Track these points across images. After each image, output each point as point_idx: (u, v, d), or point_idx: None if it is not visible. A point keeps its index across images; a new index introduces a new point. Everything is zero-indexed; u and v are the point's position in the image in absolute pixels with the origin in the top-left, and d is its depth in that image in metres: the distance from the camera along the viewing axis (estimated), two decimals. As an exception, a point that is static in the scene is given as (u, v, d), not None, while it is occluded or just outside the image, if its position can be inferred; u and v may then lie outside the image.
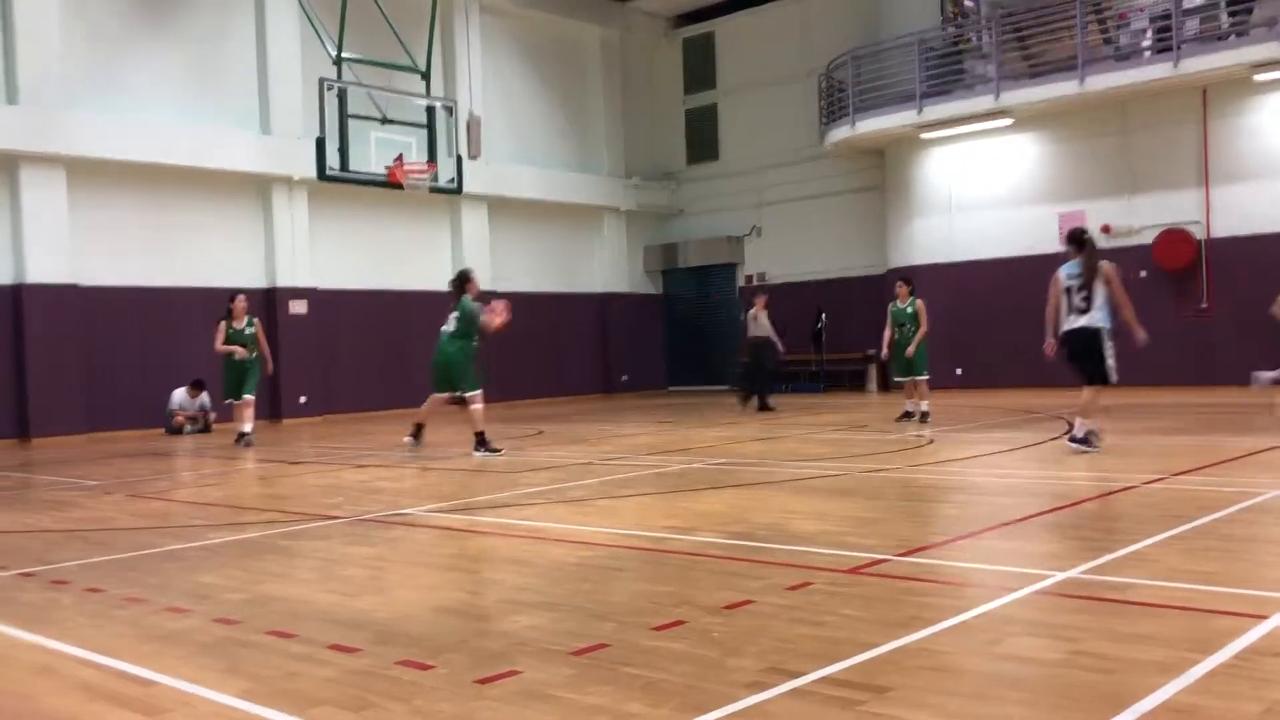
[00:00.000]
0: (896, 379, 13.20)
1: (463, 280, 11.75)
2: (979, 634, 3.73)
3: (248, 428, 13.64)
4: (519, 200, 23.37)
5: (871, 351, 22.38)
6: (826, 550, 5.32)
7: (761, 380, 17.50)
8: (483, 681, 3.38)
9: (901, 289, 14.68)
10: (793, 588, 4.50)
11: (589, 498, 7.58)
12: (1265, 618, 3.74)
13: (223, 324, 13.81)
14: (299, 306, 19.75)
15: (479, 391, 11.39)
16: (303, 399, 19.64)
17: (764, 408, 16.90)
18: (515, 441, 12.96)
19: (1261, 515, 5.90)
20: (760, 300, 17.66)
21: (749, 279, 25.42)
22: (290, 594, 4.82)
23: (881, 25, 22.12)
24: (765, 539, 5.68)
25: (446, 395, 11.74)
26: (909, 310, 14.40)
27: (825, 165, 23.47)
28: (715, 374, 25.98)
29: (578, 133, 25.18)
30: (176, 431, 17.24)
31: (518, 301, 23.48)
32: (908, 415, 13.77)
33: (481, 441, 11.16)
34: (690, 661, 3.50)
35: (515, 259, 23.67)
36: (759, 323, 17.27)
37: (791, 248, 24.45)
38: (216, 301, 15.79)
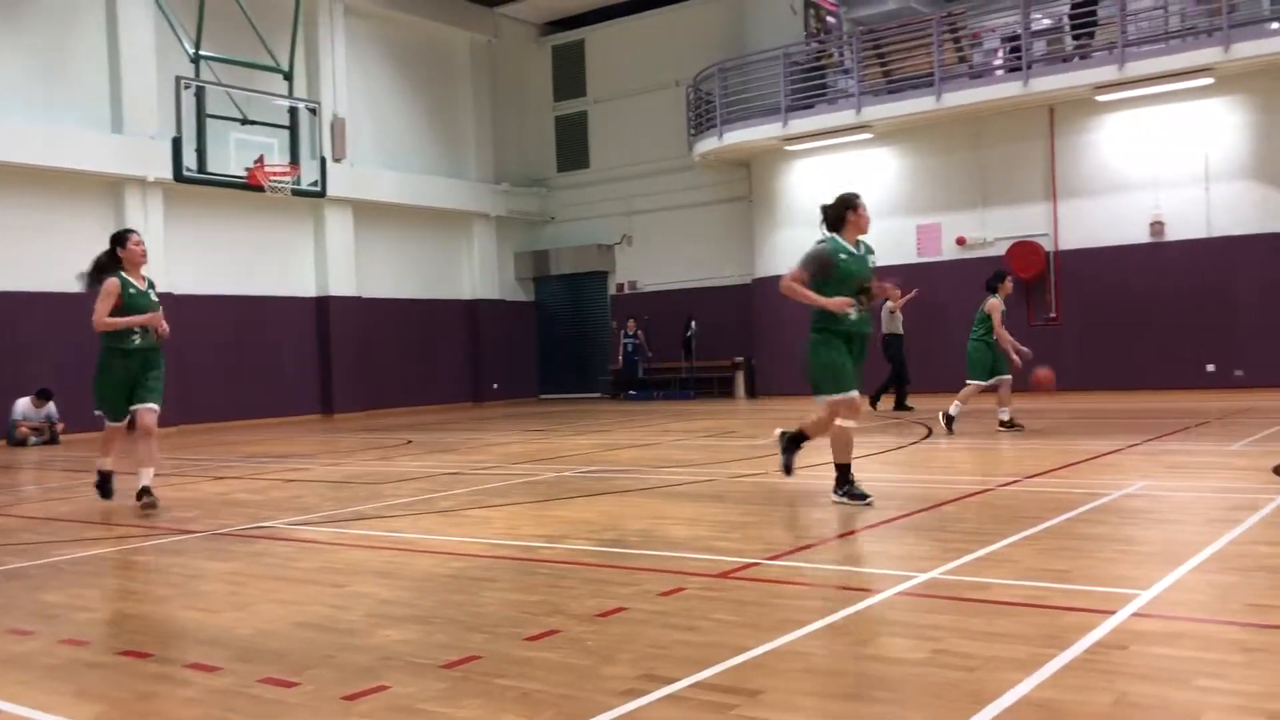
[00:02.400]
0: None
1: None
2: (847, 635, 3.81)
3: (149, 476, 7.94)
4: (385, 204, 22.97)
5: (740, 359, 22.76)
6: (698, 555, 5.36)
7: (903, 378, 16.27)
8: (350, 698, 3.28)
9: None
10: (665, 593, 4.52)
11: (459, 508, 7.47)
12: (1113, 613, 3.91)
13: (113, 285, 7.75)
14: (153, 312, 18.98)
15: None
16: (157, 409, 18.86)
17: (900, 406, 16.03)
18: (382, 452, 12.72)
19: (1108, 515, 6.19)
20: (895, 292, 15.72)
21: (620, 287, 25.53)
22: (145, 612, 4.61)
23: (747, 38, 22.52)
24: (637, 545, 5.69)
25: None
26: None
27: (694, 175, 23.75)
28: (587, 382, 26.02)
29: (446, 137, 24.90)
30: (20, 443, 16.36)
31: (383, 308, 23.24)
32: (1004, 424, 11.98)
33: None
34: (564, 671, 3.48)
35: (381, 264, 23.25)
36: (895, 317, 16.17)
37: (662, 256, 24.66)
38: (67, 308, 15.01)
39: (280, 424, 20.08)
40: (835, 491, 7.01)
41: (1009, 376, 12.04)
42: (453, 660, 3.64)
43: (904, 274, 20.19)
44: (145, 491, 7.86)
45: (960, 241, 19.70)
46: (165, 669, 3.70)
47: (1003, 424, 11.77)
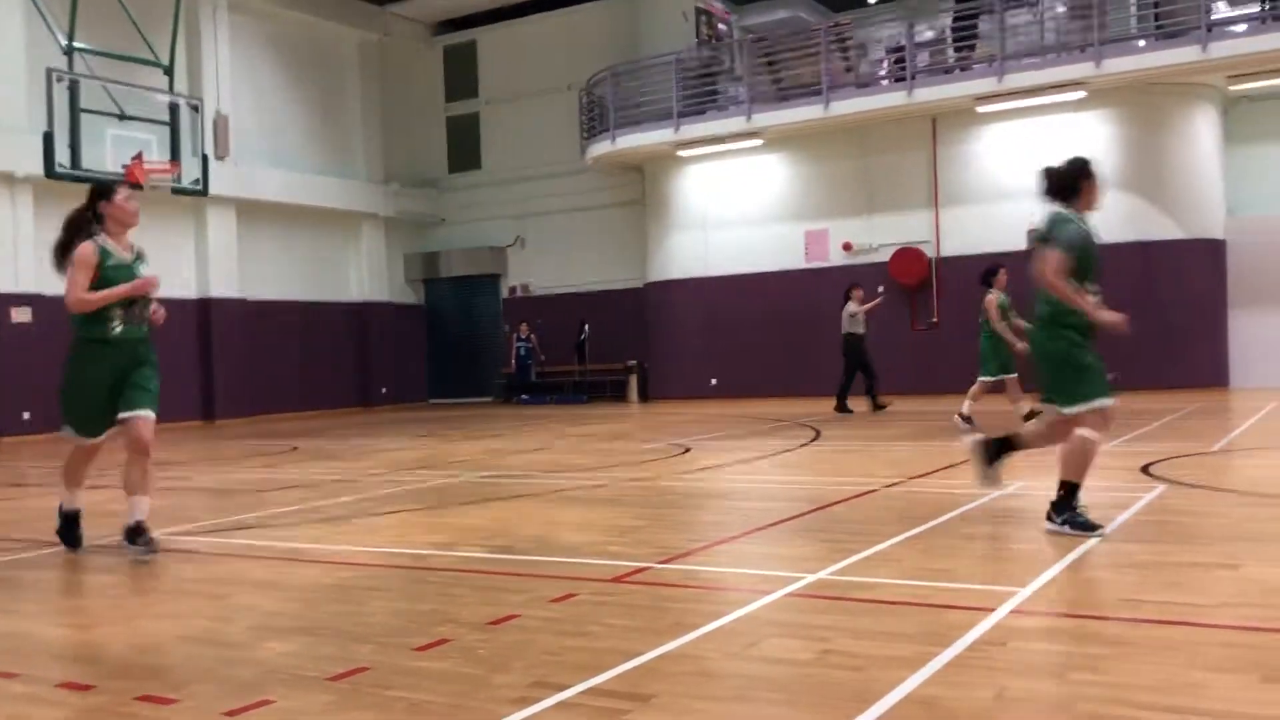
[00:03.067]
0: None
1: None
2: (738, 637, 3.85)
3: (144, 511, 6.05)
4: (270, 204, 22.41)
5: (632, 362, 22.84)
6: (591, 560, 5.35)
7: (850, 378, 16.21)
8: (232, 714, 3.19)
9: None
10: (558, 599, 4.50)
11: (346, 515, 7.33)
12: (993, 610, 4.04)
13: (88, 251, 5.87)
14: (22, 314, 18.16)
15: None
16: (26, 415, 18.06)
17: (876, 407, 15.96)
18: (267, 459, 12.40)
19: (988, 514, 6.38)
20: (859, 294, 16.24)
21: (512, 290, 25.40)
22: (12, 629, 4.41)
23: (640, 43, 22.63)
24: (529, 552, 5.66)
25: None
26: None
27: (587, 179, 23.76)
28: (479, 386, 25.80)
29: (334, 136, 24.42)
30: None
31: (268, 310, 22.66)
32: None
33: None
34: (455, 680, 3.44)
35: (266, 266, 22.67)
36: (857, 319, 16.11)
37: (555, 259, 24.61)
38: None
39: (158, 431, 19.38)
40: (1054, 518, 5.54)
41: (1015, 374, 12.20)
42: (340, 672, 3.57)
43: (796, 278, 20.57)
44: (138, 530, 5.94)
45: (847, 247, 20.12)
46: (33, 689, 3.54)
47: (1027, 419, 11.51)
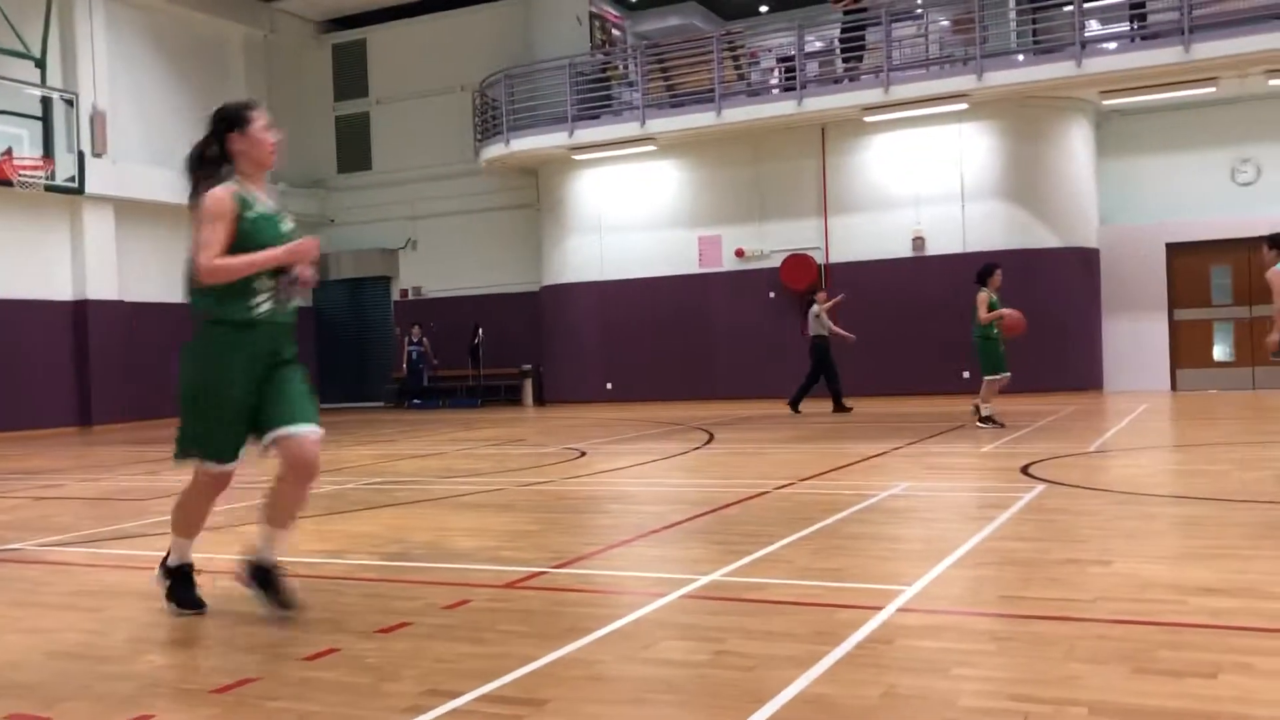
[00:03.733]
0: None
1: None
2: (632, 640, 3.86)
3: (282, 549, 4.56)
4: (151, 203, 21.65)
5: (528, 366, 22.73)
6: (484, 566, 5.31)
7: (813, 381, 16.32)
8: (110, 731, 3.07)
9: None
10: (450, 606, 4.45)
11: (231, 524, 7.13)
12: (880, 608, 4.13)
13: (224, 199, 4.29)
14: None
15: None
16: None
17: (838, 408, 16.06)
18: (149, 466, 12.00)
19: (876, 514, 6.52)
20: (822, 296, 16.56)
21: (404, 293, 25.05)
22: None
23: (534, 46, 22.57)
24: (422, 558, 5.59)
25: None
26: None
27: (481, 181, 23.58)
28: (369, 390, 25.38)
29: (219, 135, 23.72)
30: None
31: (149, 313, 21.89)
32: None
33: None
34: (344, 690, 3.37)
35: (148, 267, 21.91)
36: (821, 320, 16.29)
37: (448, 262, 24.35)
38: None
39: (31, 437, 18.62)
40: None
41: (1007, 374, 12.46)
42: (225, 684, 3.47)
43: (690, 283, 20.74)
44: (271, 570, 4.38)
45: (739, 253, 20.37)
46: (-108, 710, 3.36)
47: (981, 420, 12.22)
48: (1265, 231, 9.40)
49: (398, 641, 3.93)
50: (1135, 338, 18.49)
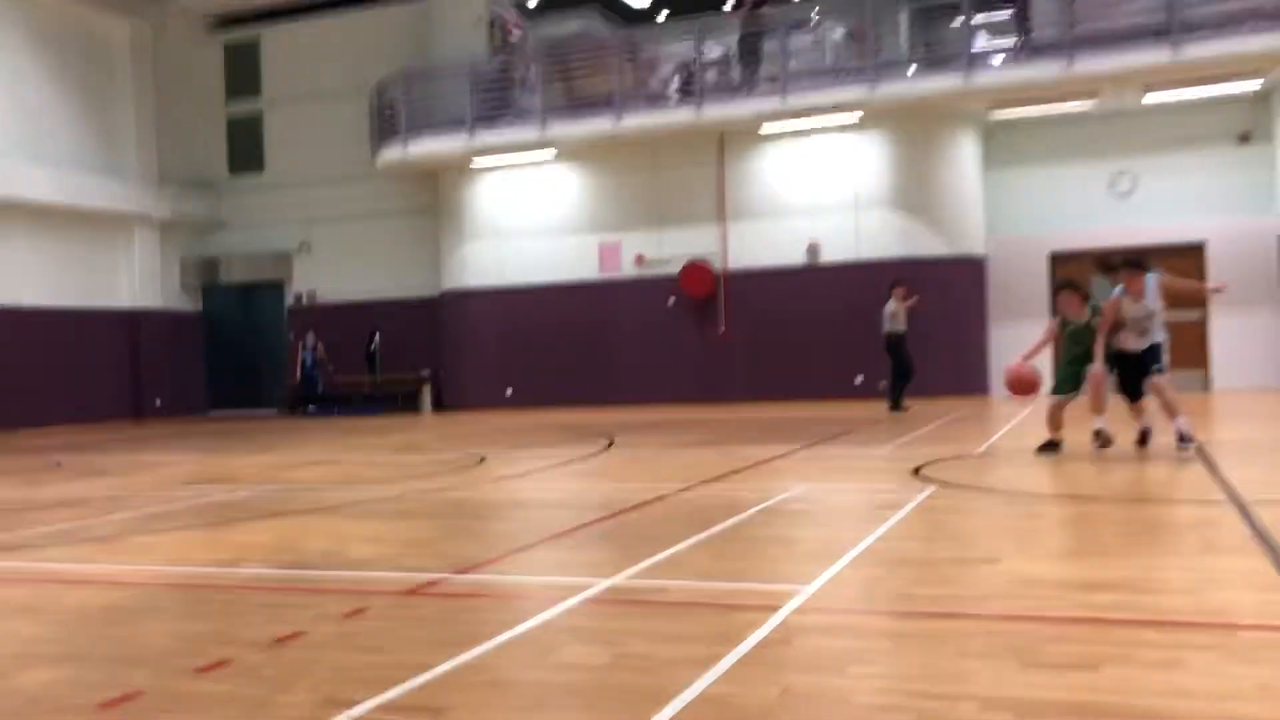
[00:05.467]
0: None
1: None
2: (533, 646, 3.85)
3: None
4: (29, 204, 20.85)
5: (426, 372, 22.48)
6: (383, 574, 5.24)
7: (900, 377, 16.06)
8: (-12, 751, 2.95)
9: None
10: (348, 615, 4.38)
11: (118, 535, 6.90)
12: (778, 609, 4.19)
13: None
14: None
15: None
16: None
17: (895, 407, 15.79)
18: (28, 475, 11.53)
19: (774, 516, 6.62)
20: (900, 292, 16.11)
21: (298, 297, 24.54)
22: None
23: (433, 48, 22.35)
24: (318, 566, 5.48)
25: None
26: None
27: (378, 184, 23.23)
28: (262, 397, 24.78)
29: (104, 133, 22.98)
30: None
31: (28, 318, 21.07)
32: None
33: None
34: (236, 703, 3.30)
35: (25, 270, 21.09)
36: (898, 318, 15.97)
37: (344, 267, 23.92)
38: None
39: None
40: None
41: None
42: (111, 699, 3.36)
43: (590, 290, 20.76)
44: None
45: (639, 260, 20.46)
46: None
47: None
48: (1143, 241, 9.53)
49: (292, 652, 3.86)
50: (1020, 344, 19.01)
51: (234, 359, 25.20)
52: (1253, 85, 17.37)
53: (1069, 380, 9.26)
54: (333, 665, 3.66)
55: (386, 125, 21.65)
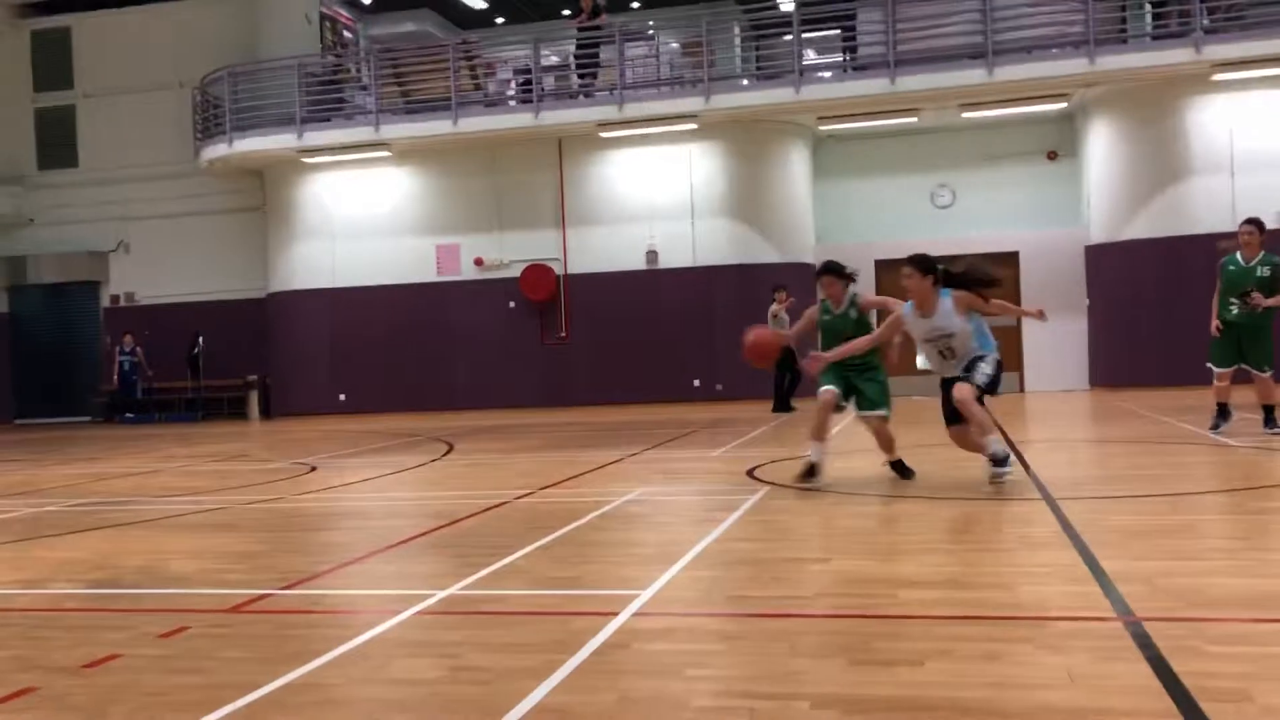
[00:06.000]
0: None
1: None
2: (366, 660, 3.75)
3: None
4: None
5: (253, 377, 21.69)
6: (205, 590, 5.01)
7: (785, 380, 16.06)
8: None
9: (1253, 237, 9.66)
10: (166, 634, 4.17)
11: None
12: (616, 614, 4.20)
13: None
14: None
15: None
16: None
17: (783, 408, 15.84)
18: None
19: (613, 521, 6.64)
20: (781, 296, 16.20)
21: (115, 299, 23.31)
22: None
23: (260, 44, 21.61)
24: (134, 584, 5.20)
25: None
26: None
27: (202, 182, 22.28)
28: (75, 404, 23.42)
29: (-107, 122, 21.32)
30: None
31: None
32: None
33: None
34: (43, 734, 3.09)
35: None
36: (779, 319, 15.86)
37: (165, 267, 22.84)
38: None
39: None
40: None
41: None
42: (-103, 737, 3.10)
43: (426, 292, 20.43)
44: None
45: (479, 262, 20.26)
46: None
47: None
48: (961, 250, 9.55)
49: (106, 676, 3.64)
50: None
51: (43, 364, 23.74)
52: (1060, 106, 18.46)
53: (834, 383, 7.63)
54: (150, 689, 3.48)
55: (211, 121, 20.81)
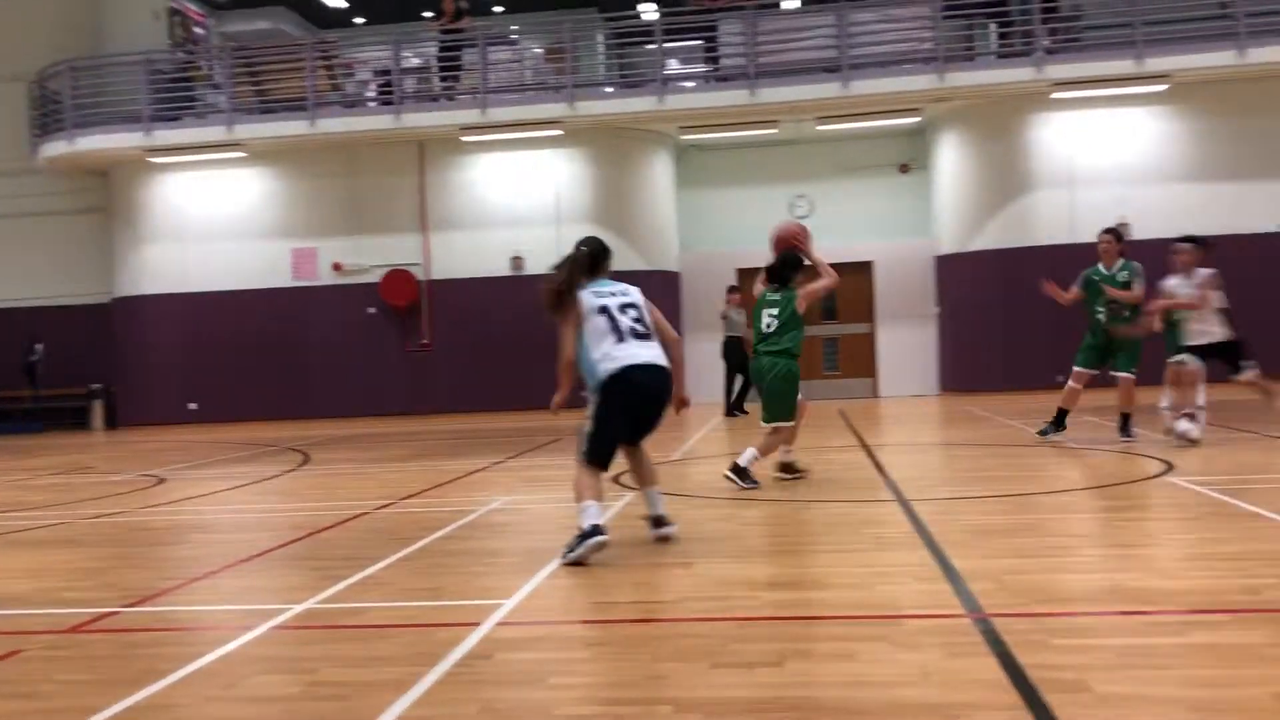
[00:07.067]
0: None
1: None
2: (217, 679, 3.61)
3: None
4: None
5: (97, 386, 20.70)
6: (42, 610, 4.75)
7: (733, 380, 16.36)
8: None
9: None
10: (-1, 659, 3.94)
11: None
12: (478, 624, 4.15)
13: None
14: None
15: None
16: None
17: (735, 410, 16.11)
18: None
19: (476, 530, 6.57)
20: (734, 298, 16.35)
21: (-58, 304, 21.91)
22: None
23: (103, 38, 20.68)
24: (-37, 607, 4.90)
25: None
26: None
27: (39, 181, 21.14)
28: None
29: None
30: None
31: None
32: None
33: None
34: None
35: None
36: (730, 320, 16.14)
37: (-2, 270, 21.59)
38: None
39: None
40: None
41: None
42: None
43: (282, 296, 19.84)
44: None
45: (337, 267, 19.80)
46: None
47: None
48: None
49: (-70, 706, 3.42)
50: (711, 355, 20.02)
51: None
52: (913, 120, 19.11)
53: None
54: (-21, 717, 3.28)
55: (51, 117, 19.80)
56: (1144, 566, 4.91)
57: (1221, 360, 9.41)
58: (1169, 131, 17.98)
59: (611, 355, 5.61)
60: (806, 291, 7.68)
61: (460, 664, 3.64)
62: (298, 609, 4.55)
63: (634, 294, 6.12)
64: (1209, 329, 9.34)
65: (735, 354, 16.54)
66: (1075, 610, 4.14)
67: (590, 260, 6.01)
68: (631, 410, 5.65)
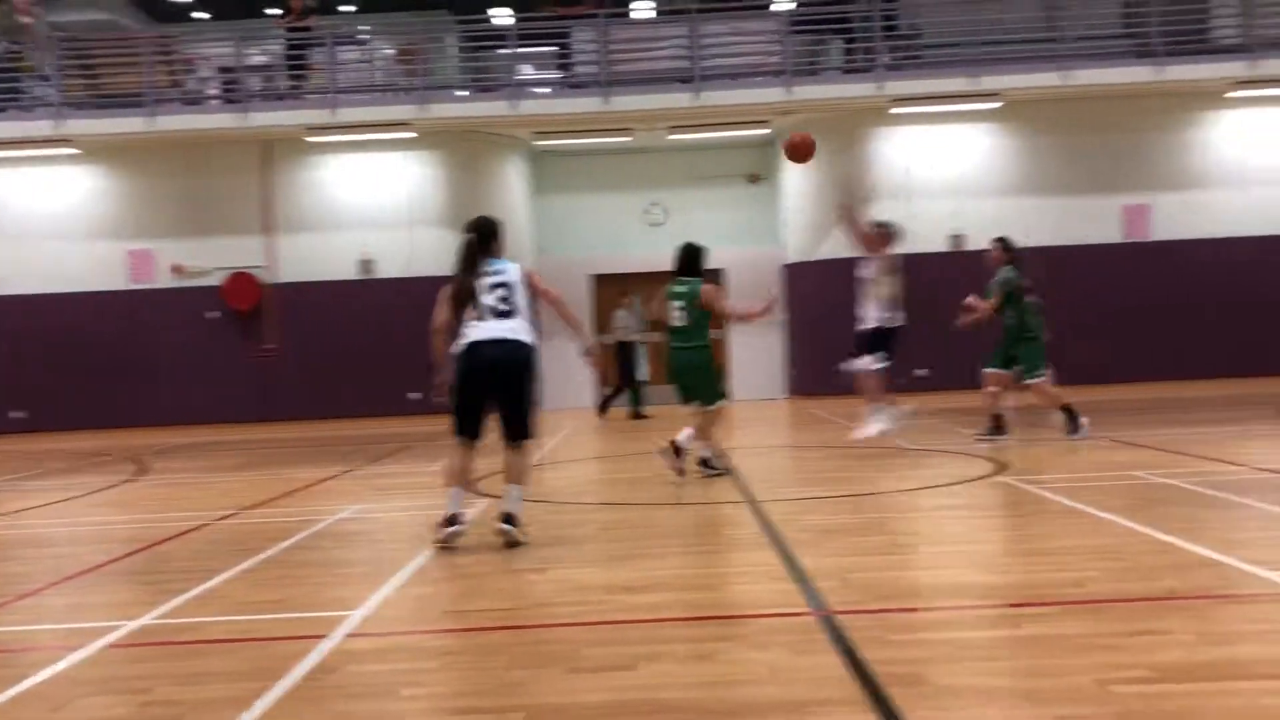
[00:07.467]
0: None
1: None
2: (43, 702, 3.43)
3: None
4: None
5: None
6: None
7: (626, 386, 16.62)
8: None
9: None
10: None
11: None
12: (325, 636, 4.05)
13: None
14: None
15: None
16: None
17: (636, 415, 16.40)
18: None
19: (323, 540, 6.40)
20: (628, 301, 16.57)
21: None
22: None
23: (-81, 23, 19.37)
24: None
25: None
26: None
27: None
28: None
29: None
30: None
31: None
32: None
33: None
34: None
35: None
36: (628, 326, 16.50)
37: None
38: None
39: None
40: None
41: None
42: None
43: (115, 301, 18.96)
44: None
45: (177, 270, 19.03)
46: None
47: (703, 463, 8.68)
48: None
49: None
50: (564, 361, 20.01)
51: None
52: (763, 132, 19.54)
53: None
54: None
55: None
56: (977, 562, 5.14)
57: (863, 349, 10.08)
58: (1000, 147, 18.89)
59: (465, 333, 6.04)
60: (718, 298, 8.71)
61: (306, 678, 3.55)
62: (131, 626, 4.35)
63: (509, 272, 6.32)
64: (867, 315, 10.15)
65: (627, 358, 17.03)
66: (913, 606, 4.30)
67: (480, 245, 6.42)
68: (477, 379, 5.96)
